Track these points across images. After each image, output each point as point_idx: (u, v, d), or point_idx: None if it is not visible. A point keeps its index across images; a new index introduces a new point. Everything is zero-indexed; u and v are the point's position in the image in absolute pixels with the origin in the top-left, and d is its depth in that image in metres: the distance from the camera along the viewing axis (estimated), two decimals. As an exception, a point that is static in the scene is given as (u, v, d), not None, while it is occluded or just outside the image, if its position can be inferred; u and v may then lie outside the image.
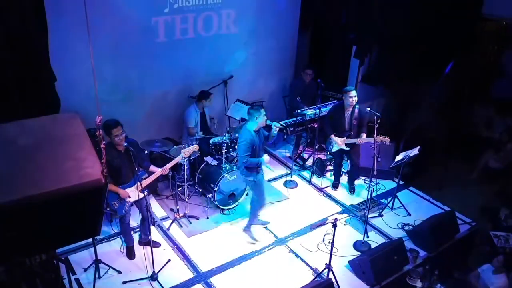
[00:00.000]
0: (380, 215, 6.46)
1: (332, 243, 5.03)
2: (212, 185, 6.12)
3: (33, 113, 3.44)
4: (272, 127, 5.50)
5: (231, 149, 6.59)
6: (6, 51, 4.39)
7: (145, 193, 5.12)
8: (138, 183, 4.89)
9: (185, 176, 6.08)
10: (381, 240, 5.99)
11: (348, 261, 5.53)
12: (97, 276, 5.08)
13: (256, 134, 5.35)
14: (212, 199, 6.21)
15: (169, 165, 5.23)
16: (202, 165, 6.42)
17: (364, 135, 6.34)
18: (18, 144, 2.64)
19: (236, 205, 6.47)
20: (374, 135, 5.97)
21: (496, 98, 7.82)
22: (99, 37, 5.96)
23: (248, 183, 5.68)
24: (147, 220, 5.24)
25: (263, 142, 5.59)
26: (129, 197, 5.05)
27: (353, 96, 6.23)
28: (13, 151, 2.59)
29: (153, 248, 5.13)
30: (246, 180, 5.63)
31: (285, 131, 7.08)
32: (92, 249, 5.14)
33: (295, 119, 7.07)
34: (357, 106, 6.37)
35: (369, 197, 5.93)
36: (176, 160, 5.30)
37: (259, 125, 5.35)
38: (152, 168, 5.24)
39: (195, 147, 5.47)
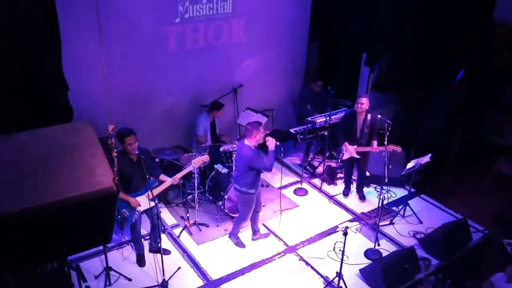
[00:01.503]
0: (392, 223, 6.41)
1: (343, 251, 5.01)
2: (222, 192, 6.13)
3: (46, 122, 3.48)
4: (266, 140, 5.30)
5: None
6: (20, 61, 4.46)
7: (156, 202, 5.15)
8: (149, 192, 4.93)
9: (195, 184, 6.11)
10: (392, 248, 5.94)
11: (359, 270, 5.49)
12: (107, 283, 5.12)
13: (257, 148, 5.30)
14: (222, 207, 6.22)
15: (179, 175, 5.26)
16: (212, 173, 6.44)
17: (375, 143, 6.32)
18: (31, 152, 2.68)
19: (246, 213, 6.47)
20: (386, 143, 5.95)
21: (508, 104, 7.75)
22: (111, 47, 6.04)
23: (246, 197, 5.49)
24: (157, 228, 5.27)
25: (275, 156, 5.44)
26: (140, 205, 5.08)
27: (359, 102, 6.24)
28: (27, 160, 2.63)
29: (163, 256, 5.15)
30: (246, 193, 5.45)
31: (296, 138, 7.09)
32: (103, 256, 5.17)
33: (305, 126, 7.07)
34: (369, 114, 6.35)
35: (380, 205, 5.89)
36: (187, 169, 5.33)
37: (258, 142, 5.29)
38: (163, 177, 5.27)
39: (205, 158, 5.46)
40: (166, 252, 5.65)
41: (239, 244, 5.89)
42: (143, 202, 5.11)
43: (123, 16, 6.10)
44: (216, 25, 7.00)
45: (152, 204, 5.16)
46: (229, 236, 5.97)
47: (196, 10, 6.70)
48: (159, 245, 5.38)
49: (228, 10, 7.02)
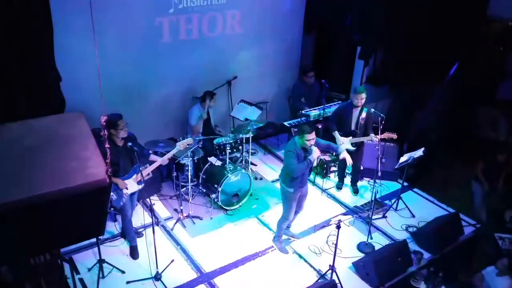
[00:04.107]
0: (384, 217, 6.44)
1: (336, 244, 5.02)
2: (215, 185, 6.12)
3: (38, 113, 3.45)
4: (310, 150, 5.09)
5: (235, 150, 6.60)
6: (12, 51, 4.41)
7: (141, 186, 5.16)
8: (135, 175, 5.05)
9: (189, 177, 6.09)
10: (385, 241, 5.97)
11: (352, 263, 5.52)
12: (101, 276, 5.10)
13: (302, 150, 5.11)
14: (215, 200, 6.21)
15: (168, 155, 5.31)
16: (206, 166, 6.42)
17: (373, 135, 6.28)
18: (23, 144, 2.65)
19: (240, 206, 6.47)
20: (378, 136, 5.96)
21: (501, 99, 7.80)
22: (104, 37, 5.98)
23: (284, 194, 5.41)
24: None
25: (309, 166, 5.15)
26: (127, 188, 5.10)
27: (358, 98, 6.21)
28: (19, 151, 2.60)
29: (156, 248, 5.12)
30: (284, 190, 5.35)
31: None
32: (96, 248, 5.15)
33: (299, 119, 7.07)
34: (365, 109, 6.33)
35: (373, 198, 5.92)
36: (173, 152, 5.35)
37: (305, 145, 5.06)
38: (153, 157, 5.34)
39: (189, 140, 5.49)
40: (139, 235, 5.74)
41: (282, 249, 5.73)
42: (131, 185, 5.13)
43: (116, 6, 6.03)
44: (210, 16, 6.94)
45: (140, 187, 5.22)
46: (272, 240, 5.83)
47: (190, 0, 6.64)
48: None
49: (222, 1, 6.96)
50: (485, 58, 7.67)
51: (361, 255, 5.67)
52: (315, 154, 5.05)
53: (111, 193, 5.03)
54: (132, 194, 5.28)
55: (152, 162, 5.36)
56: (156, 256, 5.08)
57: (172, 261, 5.43)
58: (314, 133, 5.04)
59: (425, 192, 7.09)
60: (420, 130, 7.61)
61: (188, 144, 5.52)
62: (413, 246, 5.81)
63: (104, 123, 3.47)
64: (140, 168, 5.00)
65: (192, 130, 6.77)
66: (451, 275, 5.68)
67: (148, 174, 5.35)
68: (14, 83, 4.49)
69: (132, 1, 6.17)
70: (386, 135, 6.04)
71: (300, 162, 5.08)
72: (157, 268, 5.13)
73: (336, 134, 6.44)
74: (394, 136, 6.10)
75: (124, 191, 5.10)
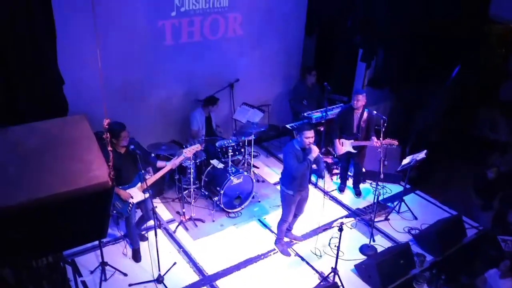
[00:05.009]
0: (387, 219, 6.43)
1: (338, 247, 5.02)
2: (218, 188, 6.12)
3: (41, 116, 3.46)
4: (308, 149, 5.10)
5: (237, 152, 6.61)
6: (15, 54, 4.42)
7: (148, 194, 5.14)
8: (140, 184, 4.99)
9: (191, 179, 6.10)
10: (387, 244, 5.96)
11: (354, 265, 5.51)
12: (103, 278, 5.10)
13: (302, 151, 5.15)
14: (218, 202, 6.21)
15: (178, 160, 5.26)
16: (208, 168, 6.42)
17: (374, 138, 6.28)
18: (26, 146, 2.66)
19: (242, 208, 6.47)
20: (381, 139, 5.96)
21: (503, 101, 7.78)
22: (106, 41, 5.99)
23: (283, 196, 5.44)
24: (146, 220, 5.39)
25: (309, 166, 5.15)
26: (132, 197, 5.08)
27: (355, 100, 6.23)
28: (22, 154, 2.60)
29: (159, 251, 5.12)
30: (284, 192, 5.38)
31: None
32: (99, 251, 5.16)
33: (301, 122, 7.07)
34: (366, 109, 6.34)
35: (375, 200, 5.90)
36: (180, 158, 5.31)
37: (299, 143, 5.11)
38: (160, 163, 5.28)
39: (197, 147, 5.48)
40: (143, 238, 5.73)
41: (284, 252, 5.74)
42: (136, 194, 5.11)
43: (118, 9, 6.05)
44: (212, 19, 6.96)
45: (146, 195, 5.15)
46: (274, 242, 5.86)
47: (192, 3, 6.66)
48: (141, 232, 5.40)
49: (224, 4, 6.97)
50: (487, 59, 7.66)
51: (364, 257, 5.67)
52: (314, 153, 5.07)
53: (117, 203, 5.03)
54: (140, 203, 5.24)
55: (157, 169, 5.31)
56: (158, 258, 5.08)
57: (174, 263, 5.43)
58: (313, 131, 5.08)
59: (427, 195, 7.08)
60: (423, 132, 7.59)
61: (196, 150, 5.48)
62: (415, 249, 5.80)
63: (106, 126, 3.48)
64: (146, 176, 4.97)
65: (191, 135, 6.77)
66: (453, 277, 5.67)
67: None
68: (17, 86, 4.50)
69: (135, 4, 6.19)
70: (387, 141, 6.03)
71: (300, 158, 5.11)
72: (159, 270, 5.13)
73: (336, 143, 6.45)
74: (395, 142, 6.09)
75: (130, 200, 5.09)
